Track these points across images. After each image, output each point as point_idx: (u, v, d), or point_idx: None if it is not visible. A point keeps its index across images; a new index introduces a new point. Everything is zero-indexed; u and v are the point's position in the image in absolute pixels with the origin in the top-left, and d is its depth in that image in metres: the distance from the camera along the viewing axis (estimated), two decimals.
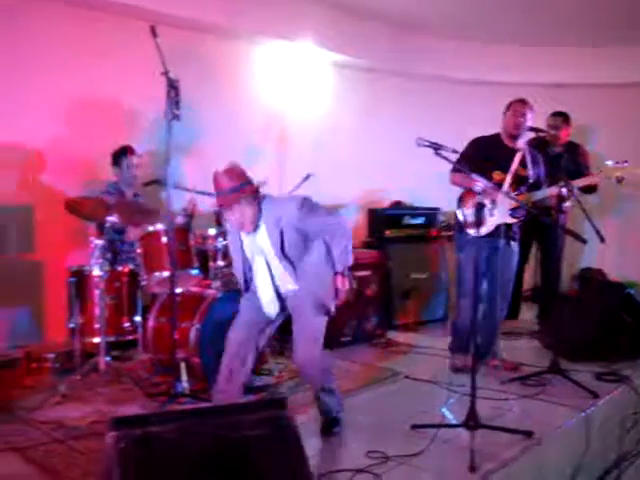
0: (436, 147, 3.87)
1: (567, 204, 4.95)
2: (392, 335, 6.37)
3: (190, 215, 4.85)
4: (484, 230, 4.97)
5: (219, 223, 5.19)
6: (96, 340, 4.62)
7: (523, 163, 5.05)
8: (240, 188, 3.73)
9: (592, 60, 8.16)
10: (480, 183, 3.66)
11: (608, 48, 8.00)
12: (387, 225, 6.84)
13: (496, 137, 5.14)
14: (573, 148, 5.97)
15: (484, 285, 5.16)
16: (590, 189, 5.82)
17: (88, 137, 5.74)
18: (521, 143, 5.15)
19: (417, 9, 7.18)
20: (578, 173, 5.66)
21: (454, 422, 3.92)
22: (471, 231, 4.99)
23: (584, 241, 3.79)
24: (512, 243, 5.05)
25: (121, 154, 5.39)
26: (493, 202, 4.99)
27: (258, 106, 7.02)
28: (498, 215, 4.99)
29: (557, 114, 6.40)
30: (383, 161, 7.76)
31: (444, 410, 4.08)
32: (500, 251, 4.90)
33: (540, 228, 6.04)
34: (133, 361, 5.11)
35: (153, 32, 3.83)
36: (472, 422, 3.62)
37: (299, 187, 5.74)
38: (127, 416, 2.35)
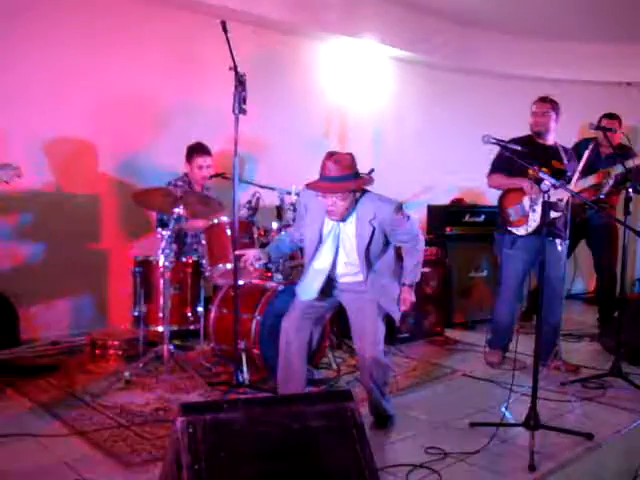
0: (503, 145, 3.85)
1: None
2: (450, 333, 6.36)
3: (254, 208, 4.90)
4: (530, 227, 4.99)
5: (280, 217, 5.24)
6: (160, 329, 4.72)
7: (559, 157, 5.07)
8: (344, 179, 3.68)
9: None
10: (547, 182, 3.63)
11: None
12: (447, 222, 6.80)
13: (527, 137, 5.14)
14: (625, 150, 5.88)
15: (524, 284, 5.25)
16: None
17: (155, 132, 5.89)
18: (551, 139, 5.17)
19: (477, 5, 7.14)
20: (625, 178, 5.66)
21: (513, 422, 3.90)
22: (518, 230, 5.01)
23: None
24: (557, 240, 4.99)
25: (192, 152, 5.45)
26: (533, 199, 4.99)
27: (321, 101, 7.09)
28: (539, 211, 4.94)
29: (612, 116, 6.30)
30: (444, 157, 7.74)
31: (503, 409, 4.05)
32: (546, 249, 4.87)
33: (587, 228, 5.95)
34: (194, 350, 5.21)
35: (224, 28, 3.88)
36: (532, 422, 3.60)
37: None
38: (196, 402, 2.41)
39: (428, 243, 6.76)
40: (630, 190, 4.64)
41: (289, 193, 5.25)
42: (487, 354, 5.34)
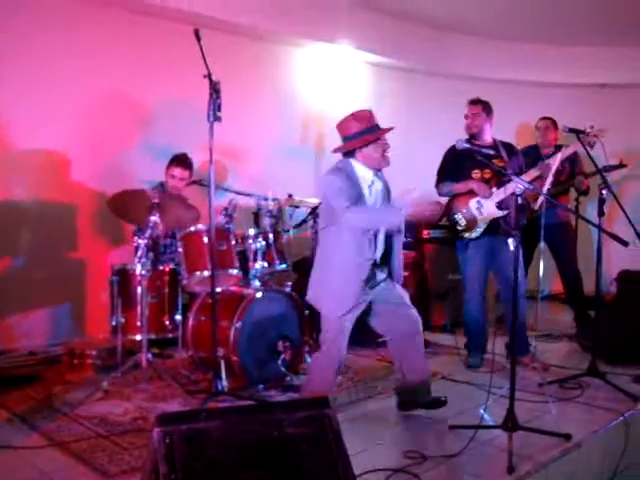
0: (476, 150, 3.88)
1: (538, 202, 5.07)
2: (429, 336, 6.35)
3: (231, 215, 4.89)
4: (479, 229, 5.15)
5: (258, 224, 5.24)
6: (138, 337, 4.70)
7: (499, 155, 5.16)
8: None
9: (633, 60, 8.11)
10: (520, 185, 3.68)
11: None
12: (424, 226, 6.83)
13: (466, 141, 5.17)
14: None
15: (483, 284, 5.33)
16: (584, 190, 6.08)
17: (132, 141, 5.88)
18: (489, 138, 5.28)
19: (453, 10, 7.20)
20: (571, 175, 5.96)
21: (492, 423, 3.93)
22: (470, 234, 5.14)
23: (625, 243, 3.76)
24: (509, 240, 5.03)
25: (171, 161, 5.46)
26: (479, 201, 5.13)
27: (298, 107, 7.10)
28: (487, 212, 5.12)
29: (545, 118, 6.51)
30: (421, 161, 7.74)
31: (482, 411, 4.07)
32: (498, 249, 4.93)
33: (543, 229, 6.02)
34: (173, 359, 5.20)
35: (197, 35, 3.88)
36: (510, 424, 3.62)
37: None
38: (173, 412, 2.40)
39: (406, 247, 6.81)
40: (604, 192, 4.69)
41: (266, 199, 5.24)
42: (466, 357, 5.37)
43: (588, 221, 4.39)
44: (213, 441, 2.28)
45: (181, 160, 5.45)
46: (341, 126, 3.90)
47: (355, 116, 3.87)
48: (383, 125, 3.93)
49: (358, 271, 3.81)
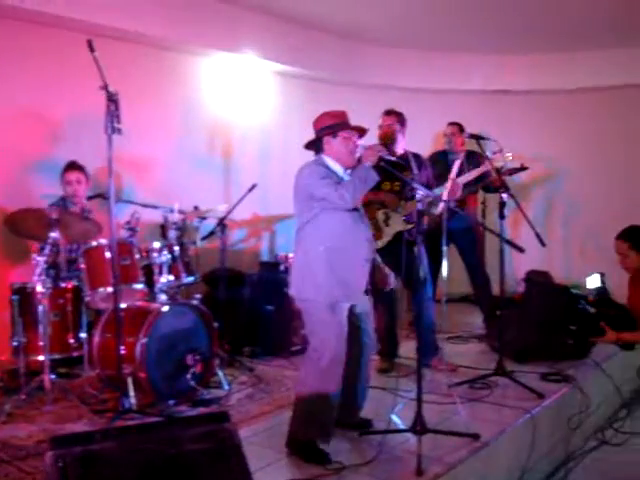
0: (383, 157, 3.90)
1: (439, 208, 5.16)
2: None
3: (133, 229, 4.80)
4: (385, 239, 5.20)
5: (165, 236, 5.15)
6: (41, 358, 4.56)
7: (409, 167, 5.20)
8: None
9: (537, 66, 8.37)
10: (421, 191, 3.73)
11: (550, 55, 8.23)
12: None
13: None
14: (472, 155, 6.17)
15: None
16: (493, 188, 6.05)
17: (34, 154, 5.69)
18: (401, 149, 5.34)
19: (359, 19, 7.26)
20: (479, 178, 6.03)
21: (402, 427, 3.95)
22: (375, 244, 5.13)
23: (521, 250, 3.84)
24: (414, 248, 5.11)
25: (62, 171, 5.36)
26: (386, 213, 5.21)
27: (205, 117, 7.03)
28: (393, 224, 5.19)
29: (452, 123, 6.65)
30: None
31: (392, 416, 4.10)
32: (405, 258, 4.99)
33: (451, 233, 6.14)
34: (81, 378, 5.04)
35: (90, 46, 3.79)
36: (419, 427, 3.65)
37: (245, 198, 5.72)
38: (67, 434, 2.32)
39: None
40: (504, 196, 4.80)
41: (172, 211, 5.15)
42: (377, 362, 5.40)
43: (489, 229, 4.48)
44: (108, 462, 2.21)
45: (70, 165, 5.36)
46: (315, 122, 3.93)
47: (329, 113, 3.91)
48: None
49: (361, 251, 3.80)
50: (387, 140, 5.23)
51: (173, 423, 2.43)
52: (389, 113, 5.36)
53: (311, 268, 3.75)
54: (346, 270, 3.72)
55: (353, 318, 3.85)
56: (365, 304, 3.95)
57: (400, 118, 5.35)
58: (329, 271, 3.70)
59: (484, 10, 6.86)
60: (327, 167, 3.81)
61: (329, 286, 3.69)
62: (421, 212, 3.71)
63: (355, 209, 3.80)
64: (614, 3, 6.56)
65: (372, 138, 5.26)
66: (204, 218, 5.65)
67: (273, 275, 6.21)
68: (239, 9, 6.73)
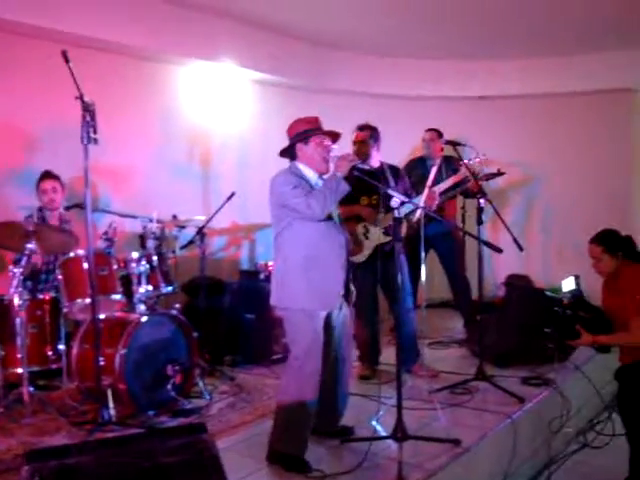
0: (358, 169, 3.91)
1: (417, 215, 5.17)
2: None
3: (111, 239, 4.77)
4: (366, 253, 5.21)
5: (144, 246, 5.13)
6: (19, 370, 4.53)
7: (385, 179, 5.23)
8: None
9: (512, 72, 8.42)
10: (397, 198, 3.75)
11: (524, 61, 8.29)
12: None
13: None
14: (449, 161, 6.20)
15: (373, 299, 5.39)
16: (472, 193, 5.98)
17: (13, 165, 5.65)
18: (376, 162, 5.35)
19: (334, 27, 7.28)
20: (457, 184, 6.03)
21: (383, 434, 3.95)
22: (357, 259, 5.14)
23: (499, 250, 3.87)
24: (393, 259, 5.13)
25: (37, 181, 5.32)
26: (365, 226, 5.22)
27: (183, 126, 7.01)
28: (373, 237, 5.21)
29: (430, 130, 6.67)
30: None
31: (374, 423, 4.10)
32: (384, 265, 4.98)
33: (430, 239, 6.13)
34: (60, 390, 4.99)
35: (65, 57, 3.78)
36: (399, 434, 3.65)
37: (224, 206, 5.70)
38: (42, 448, 2.30)
39: None
40: (482, 201, 4.82)
41: (151, 220, 5.13)
42: (358, 369, 5.40)
43: (466, 232, 4.50)
44: (84, 476, 2.19)
45: (45, 174, 5.33)
46: (288, 129, 3.95)
47: (301, 119, 3.93)
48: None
49: (336, 258, 3.80)
50: (361, 156, 5.24)
51: (150, 435, 2.42)
52: (362, 128, 5.37)
53: (288, 277, 3.77)
54: (322, 278, 3.73)
55: (331, 325, 3.85)
56: (343, 310, 3.94)
57: (373, 133, 5.35)
58: (305, 280, 3.71)
59: (455, 17, 6.90)
60: (300, 174, 3.82)
61: (306, 294, 3.70)
62: (398, 220, 3.72)
63: (329, 216, 3.79)
64: (587, 10, 6.62)
65: (348, 144, 5.30)
66: (183, 227, 5.64)
67: (253, 283, 6.20)
68: (216, 18, 6.71)
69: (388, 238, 5.10)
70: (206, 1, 6.36)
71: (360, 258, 5.18)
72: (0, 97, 5.58)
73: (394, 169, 5.42)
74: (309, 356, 3.70)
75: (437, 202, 5.05)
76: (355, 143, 5.34)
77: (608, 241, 4.44)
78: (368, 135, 5.31)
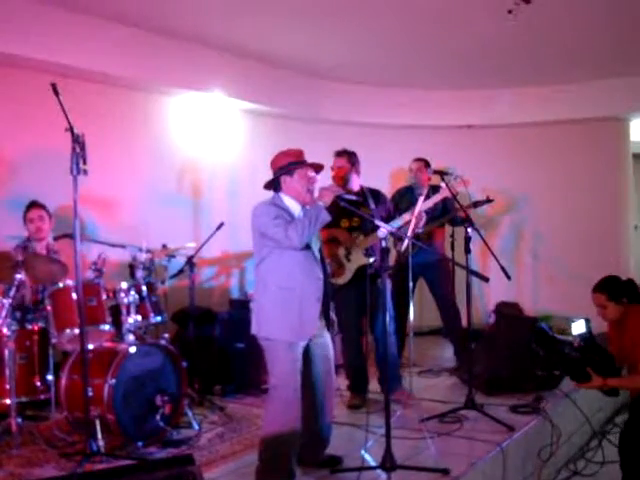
0: (343, 199, 3.94)
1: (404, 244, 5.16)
2: None
3: (99, 270, 4.77)
4: (347, 276, 5.24)
5: (133, 276, 5.13)
6: (7, 401, 4.52)
7: (366, 203, 5.28)
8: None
9: (499, 101, 8.52)
10: (384, 229, 3.79)
11: (509, 90, 8.39)
12: None
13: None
14: (436, 190, 6.24)
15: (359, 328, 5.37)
16: (459, 221, 6.13)
17: (3, 194, 5.67)
18: (356, 186, 5.40)
19: (323, 57, 7.36)
20: (445, 211, 6.15)
21: (372, 464, 3.94)
22: (337, 280, 5.18)
23: (486, 279, 3.90)
24: (378, 281, 5.12)
25: (25, 211, 5.36)
26: (347, 248, 5.26)
27: (172, 156, 7.05)
28: (355, 259, 5.23)
29: (418, 159, 6.70)
30: None
31: (363, 452, 4.09)
32: (369, 291, 5.01)
33: (420, 266, 6.15)
34: (48, 421, 4.96)
35: (54, 90, 3.80)
36: (388, 464, 3.65)
37: (213, 236, 5.72)
38: None
39: None
40: (469, 230, 4.86)
41: (140, 250, 5.14)
42: (347, 398, 5.39)
43: (453, 261, 4.53)
44: None
45: (32, 203, 5.37)
46: (272, 161, 3.99)
47: (284, 152, 3.97)
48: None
49: (312, 290, 3.82)
50: (340, 181, 5.31)
51: (138, 468, 2.41)
52: (340, 154, 5.43)
53: (266, 306, 3.82)
54: (298, 309, 3.76)
55: (310, 354, 3.88)
56: (323, 338, 3.96)
57: (351, 158, 5.40)
58: (281, 310, 3.76)
59: (444, 47, 6.98)
60: (282, 206, 3.86)
61: (282, 325, 3.75)
62: (386, 249, 3.75)
63: (307, 247, 3.82)
64: (576, 40, 6.72)
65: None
66: (173, 256, 5.64)
67: (243, 313, 6.18)
68: (206, 48, 6.79)
69: (370, 260, 5.13)
70: (196, 32, 6.43)
71: (341, 280, 5.21)
72: None
73: (375, 192, 5.48)
74: (286, 385, 3.73)
75: (423, 221, 5.08)
76: (333, 169, 5.39)
77: (611, 288, 4.44)
78: (345, 160, 5.37)
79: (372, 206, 5.29)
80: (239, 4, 5.73)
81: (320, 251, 3.99)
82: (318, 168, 3.99)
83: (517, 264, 8.38)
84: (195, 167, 7.25)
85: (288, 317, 3.74)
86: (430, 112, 8.52)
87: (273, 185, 3.97)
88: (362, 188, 5.42)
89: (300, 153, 3.97)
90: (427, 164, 6.59)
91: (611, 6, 5.81)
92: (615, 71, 7.77)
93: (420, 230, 5.26)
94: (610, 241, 8.51)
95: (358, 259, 5.22)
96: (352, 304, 5.22)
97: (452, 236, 6.50)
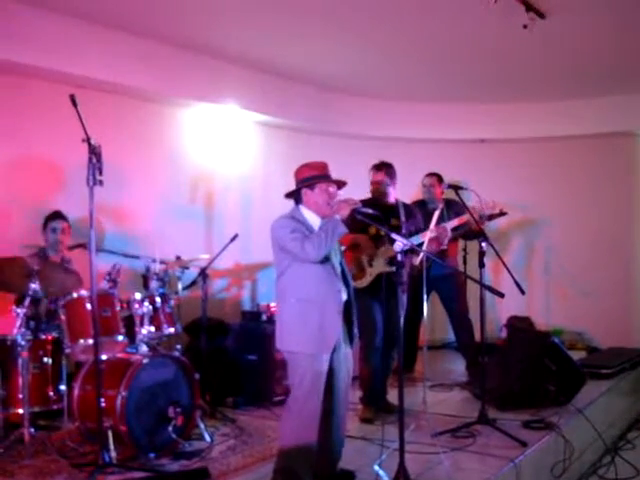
0: (360, 213, 3.94)
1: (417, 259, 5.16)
2: None
3: (114, 280, 4.78)
4: (367, 280, 5.23)
5: (147, 287, 5.14)
6: (20, 411, 4.54)
7: (397, 215, 5.32)
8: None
9: (513, 115, 8.51)
10: (400, 242, 3.81)
11: (525, 104, 8.38)
12: None
13: (370, 200, 5.31)
14: (451, 204, 6.24)
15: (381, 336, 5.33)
16: (473, 234, 6.01)
17: (21, 202, 5.68)
18: (392, 198, 5.43)
19: (337, 71, 7.37)
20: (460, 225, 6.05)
21: (385, 479, 3.92)
22: (357, 283, 5.14)
23: (501, 295, 3.88)
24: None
25: (46, 219, 5.39)
26: (370, 255, 5.26)
27: (186, 167, 7.07)
28: (377, 265, 5.24)
29: (431, 174, 6.75)
30: None
31: (376, 467, 4.07)
32: (384, 301, 5.00)
33: (432, 280, 6.12)
34: (60, 431, 4.97)
35: (73, 101, 3.83)
36: (402, 479, 3.63)
37: (227, 247, 5.74)
38: None
39: None
40: (483, 244, 4.85)
41: (154, 261, 5.16)
42: (361, 411, 5.37)
43: (468, 276, 4.52)
44: None
45: (55, 213, 5.42)
46: (296, 173, 4.01)
47: (309, 164, 3.98)
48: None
49: (332, 302, 3.82)
50: (379, 195, 5.33)
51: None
52: (379, 168, 5.43)
53: (288, 319, 3.82)
54: (318, 321, 3.76)
55: (332, 367, 3.87)
56: (343, 351, 3.95)
57: (389, 171, 5.41)
58: (301, 323, 3.76)
59: (458, 61, 6.99)
60: (301, 219, 3.88)
61: (303, 337, 3.75)
62: (401, 263, 3.75)
63: (327, 259, 3.83)
64: (586, 56, 6.72)
65: (353, 188, 5.32)
66: (186, 268, 5.65)
67: (255, 325, 6.19)
68: (221, 61, 6.82)
69: (392, 268, 5.10)
70: (211, 44, 6.45)
71: (361, 284, 5.20)
72: (5, 136, 5.64)
73: (407, 207, 5.51)
74: (308, 399, 3.72)
75: (449, 237, 5.09)
76: (372, 183, 5.41)
77: None
78: (384, 174, 5.38)
79: (402, 218, 5.32)
80: (255, 18, 5.76)
81: (341, 264, 3.99)
82: (340, 184, 3.99)
83: (529, 279, 8.34)
84: (209, 178, 7.27)
85: (308, 329, 3.74)
86: (444, 126, 8.51)
87: (294, 195, 3.98)
88: (397, 201, 5.44)
89: (324, 167, 3.97)
90: (440, 179, 6.58)
91: (626, 21, 5.80)
92: (629, 86, 7.74)
93: (445, 247, 5.26)
94: (623, 256, 8.46)
95: (380, 266, 5.22)
96: (373, 312, 5.21)
97: (465, 250, 6.49)
